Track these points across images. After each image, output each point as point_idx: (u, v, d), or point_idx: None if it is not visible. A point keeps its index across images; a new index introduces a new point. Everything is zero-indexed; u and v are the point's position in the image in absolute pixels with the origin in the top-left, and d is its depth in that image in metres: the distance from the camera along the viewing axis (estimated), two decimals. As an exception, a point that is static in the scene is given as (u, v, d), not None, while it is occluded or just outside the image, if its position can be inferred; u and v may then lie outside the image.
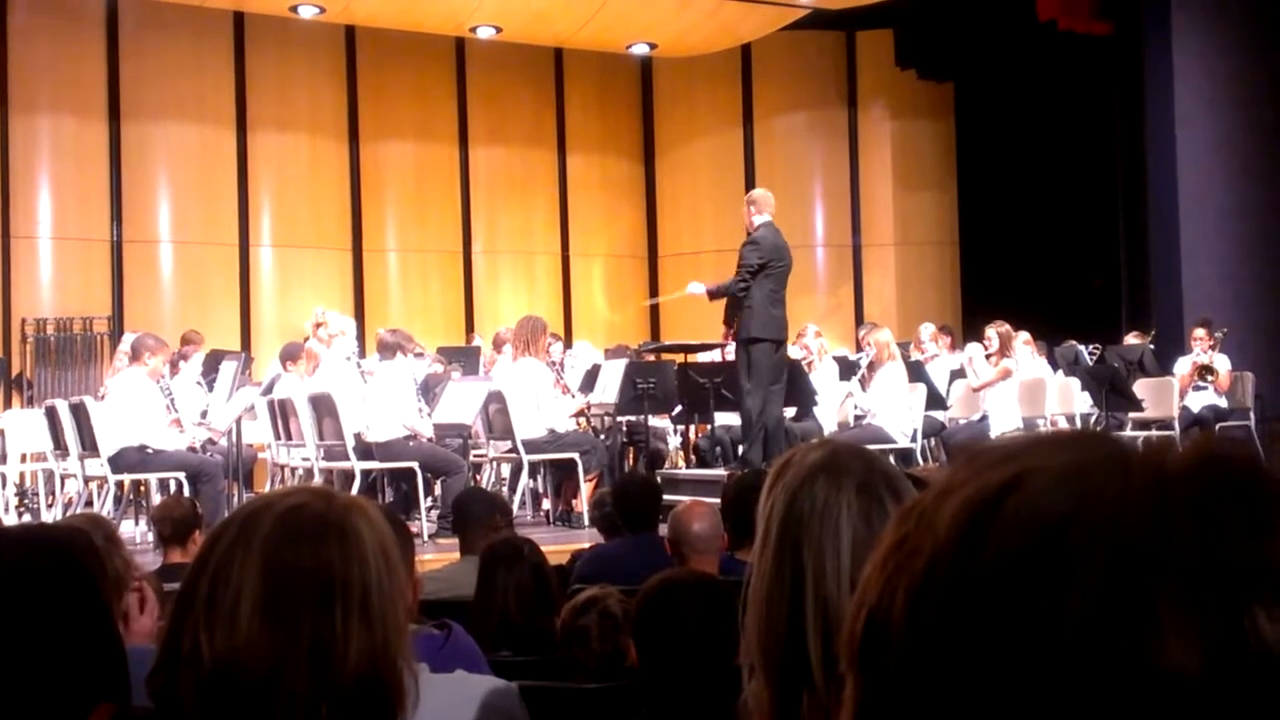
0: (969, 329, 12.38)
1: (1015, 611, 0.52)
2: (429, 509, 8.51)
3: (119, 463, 7.95)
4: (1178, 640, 0.50)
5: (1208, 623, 0.50)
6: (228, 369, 9.12)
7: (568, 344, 12.00)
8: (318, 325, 9.65)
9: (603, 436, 9.33)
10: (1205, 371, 10.14)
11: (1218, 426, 10.04)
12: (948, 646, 0.53)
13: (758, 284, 8.01)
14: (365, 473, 8.37)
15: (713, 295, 8.42)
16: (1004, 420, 9.57)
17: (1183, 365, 10.26)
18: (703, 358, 9.78)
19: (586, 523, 7.92)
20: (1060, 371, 10.40)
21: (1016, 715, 0.52)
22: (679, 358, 9.83)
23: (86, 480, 8.35)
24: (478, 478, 9.33)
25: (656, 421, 9.98)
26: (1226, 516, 0.52)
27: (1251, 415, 10.29)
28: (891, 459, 7.89)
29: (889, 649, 0.56)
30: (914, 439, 9.25)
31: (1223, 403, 10.27)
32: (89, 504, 8.45)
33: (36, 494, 9.84)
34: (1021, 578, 0.52)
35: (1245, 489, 0.53)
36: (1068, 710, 0.51)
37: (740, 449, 8.65)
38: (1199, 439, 0.59)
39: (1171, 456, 0.56)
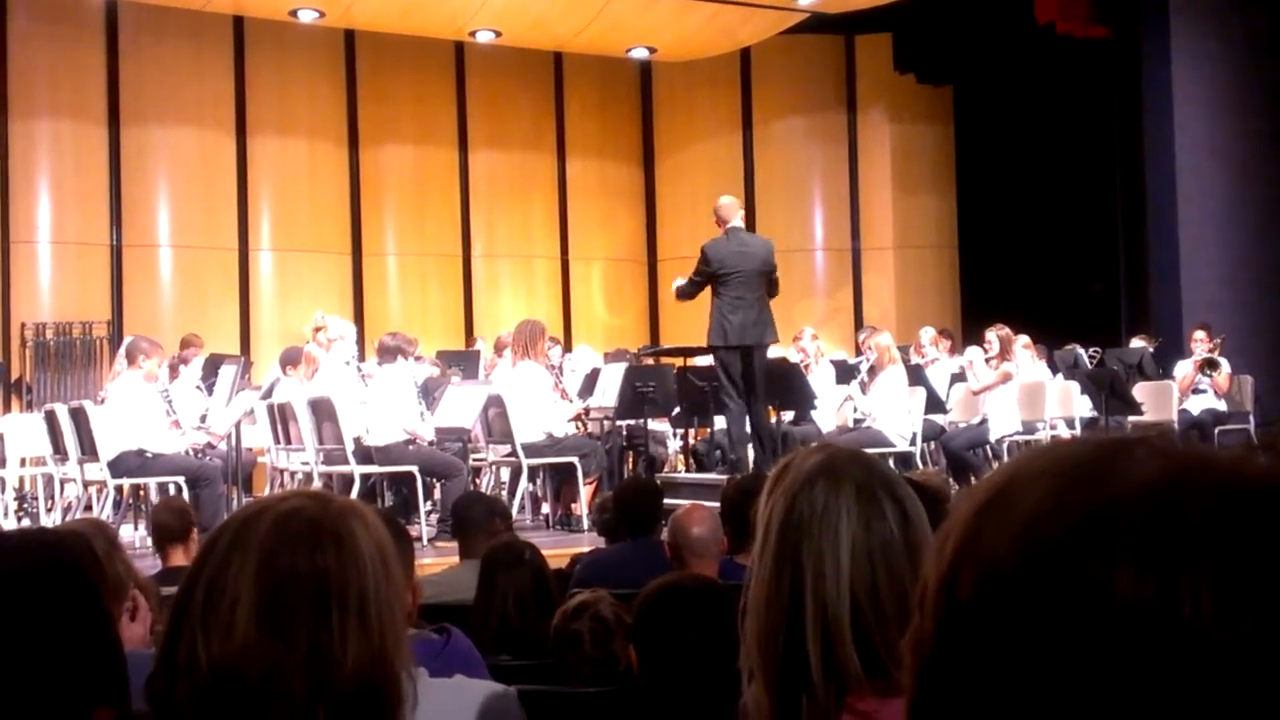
0: (969, 333, 12.37)
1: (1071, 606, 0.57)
2: (428, 513, 8.50)
3: (118, 467, 7.93)
4: (1206, 601, 0.55)
5: (1214, 577, 0.56)
6: (227, 373, 9.11)
7: (567, 348, 11.99)
8: (317, 329, 9.65)
9: (601, 441, 9.33)
10: (1208, 365, 10.10)
11: (1217, 430, 10.02)
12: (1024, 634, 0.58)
13: (715, 292, 8.05)
14: (364, 477, 8.36)
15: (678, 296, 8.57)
16: (1003, 424, 9.56)
17: (1183, 367, 10.24)
18: (702, 361, 9.77)
19: (586, 526, 7.92)
20: (1060, 375, 10.38)
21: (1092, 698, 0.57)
22: (678, 361, 9.83)
23: (86, 484, 8.34)
24: (477, 482, 9.32)
25: (656, 425, 9.97)
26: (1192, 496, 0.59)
27: (1251, 419, 10.27)
28: (890, 462, 7.86)
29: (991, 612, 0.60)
30: (913, 443, 9.24)
31: (1222, 406, 10.25)
32: (88, 508, 8.45)
33: (36, 498, 9.84)
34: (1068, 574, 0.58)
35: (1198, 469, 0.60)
36: (1136, 693, 0.56)
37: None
38: (1152, 434, 0.65)
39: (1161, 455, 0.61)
